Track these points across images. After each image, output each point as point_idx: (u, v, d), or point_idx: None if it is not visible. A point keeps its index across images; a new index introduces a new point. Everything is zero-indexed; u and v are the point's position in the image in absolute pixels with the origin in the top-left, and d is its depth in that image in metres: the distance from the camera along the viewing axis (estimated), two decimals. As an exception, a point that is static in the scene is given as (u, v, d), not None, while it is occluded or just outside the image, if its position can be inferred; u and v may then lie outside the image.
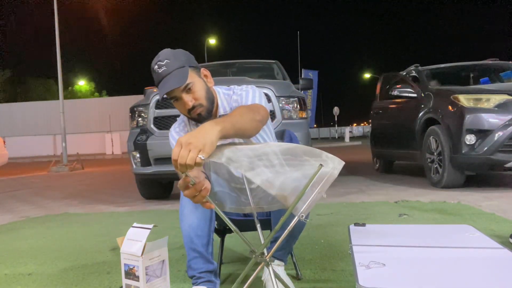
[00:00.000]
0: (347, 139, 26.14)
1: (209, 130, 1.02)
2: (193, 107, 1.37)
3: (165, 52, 1.37)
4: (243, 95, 1.45)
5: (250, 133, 1.22)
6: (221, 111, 1.47)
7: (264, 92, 1.85)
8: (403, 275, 1.07)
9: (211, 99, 1.43)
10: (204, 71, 1.46)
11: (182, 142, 0.98)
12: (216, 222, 1.57)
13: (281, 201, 1.07)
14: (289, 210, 1.06)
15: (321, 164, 1.01)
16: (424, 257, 1.22)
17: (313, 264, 1.89)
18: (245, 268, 1.21)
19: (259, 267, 1.20)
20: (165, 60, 1.34)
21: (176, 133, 1.55)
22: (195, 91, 1.37)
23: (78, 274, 1.96)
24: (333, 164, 1.02)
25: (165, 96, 1.37)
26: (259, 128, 1.27)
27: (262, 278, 1.58)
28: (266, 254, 1.19)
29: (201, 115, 1.40)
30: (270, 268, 1.20)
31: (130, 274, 1.44)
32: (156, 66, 1.35)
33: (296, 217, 1.06)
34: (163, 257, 1.50)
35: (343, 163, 1.03)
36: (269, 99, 3.58)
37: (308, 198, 1.04)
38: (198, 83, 1.39)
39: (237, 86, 1.53)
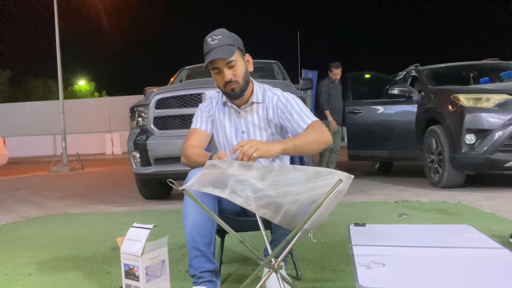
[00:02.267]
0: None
1: (274, 145, 1.38)
2: (230, 81, 1.55)
3: (221, 30, 1.57)
4: (293, 105, 1.59)
5: (310, 152, 1.47)
6: (254, 98, 1.64)
7: None
8: (403, 275, 1.07)
9: (247, 80, 1.61)
10: (247, 56, 1.64)
11: (252, 143, 1.32)
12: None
13: (284, 226, 1.13)
14: (295, 230, 1.09)
15: (340, 180, 1.03)
16: (424, 257, 1.21)
17: (313, 264, 1.89)
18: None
19: (268, 275, 1.22)
20: (219, 36, 1.53)
21: (201, 111, 1.71)
22: (236, 69, 1.55)
23: (78, 274, 1.96)
24: (342, 179, 1.03)
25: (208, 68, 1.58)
26: (320, 149, 1.48)
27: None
28: (273, 261, 1.20)
29: (234, 91, 1.57)
30: (279, 274, 1.22)
31: (130, 274, 1.44)
32: (209, 39, 1.53)
33: (300, 233, 1.11)
34: (163, 257, 1.50)
35: (352, 177, 1.05)
36: None
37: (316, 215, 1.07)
38: (241, 64, 1.58)
39: (271, 87, 1.69)
